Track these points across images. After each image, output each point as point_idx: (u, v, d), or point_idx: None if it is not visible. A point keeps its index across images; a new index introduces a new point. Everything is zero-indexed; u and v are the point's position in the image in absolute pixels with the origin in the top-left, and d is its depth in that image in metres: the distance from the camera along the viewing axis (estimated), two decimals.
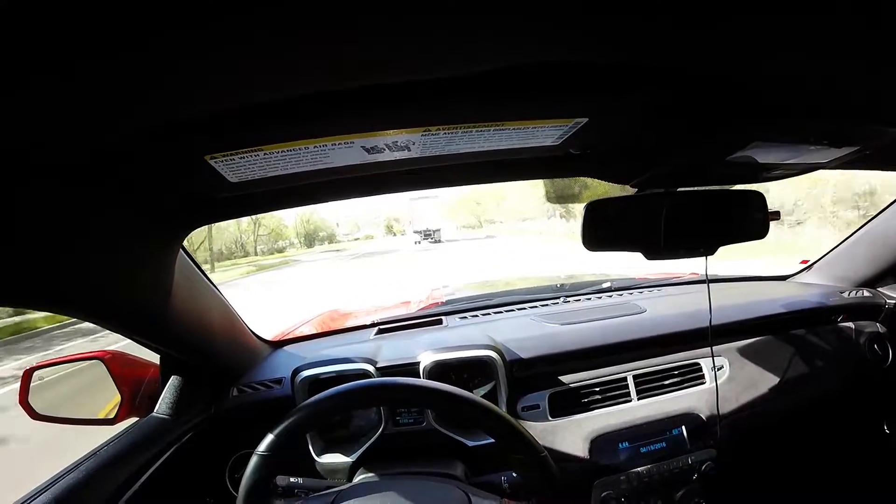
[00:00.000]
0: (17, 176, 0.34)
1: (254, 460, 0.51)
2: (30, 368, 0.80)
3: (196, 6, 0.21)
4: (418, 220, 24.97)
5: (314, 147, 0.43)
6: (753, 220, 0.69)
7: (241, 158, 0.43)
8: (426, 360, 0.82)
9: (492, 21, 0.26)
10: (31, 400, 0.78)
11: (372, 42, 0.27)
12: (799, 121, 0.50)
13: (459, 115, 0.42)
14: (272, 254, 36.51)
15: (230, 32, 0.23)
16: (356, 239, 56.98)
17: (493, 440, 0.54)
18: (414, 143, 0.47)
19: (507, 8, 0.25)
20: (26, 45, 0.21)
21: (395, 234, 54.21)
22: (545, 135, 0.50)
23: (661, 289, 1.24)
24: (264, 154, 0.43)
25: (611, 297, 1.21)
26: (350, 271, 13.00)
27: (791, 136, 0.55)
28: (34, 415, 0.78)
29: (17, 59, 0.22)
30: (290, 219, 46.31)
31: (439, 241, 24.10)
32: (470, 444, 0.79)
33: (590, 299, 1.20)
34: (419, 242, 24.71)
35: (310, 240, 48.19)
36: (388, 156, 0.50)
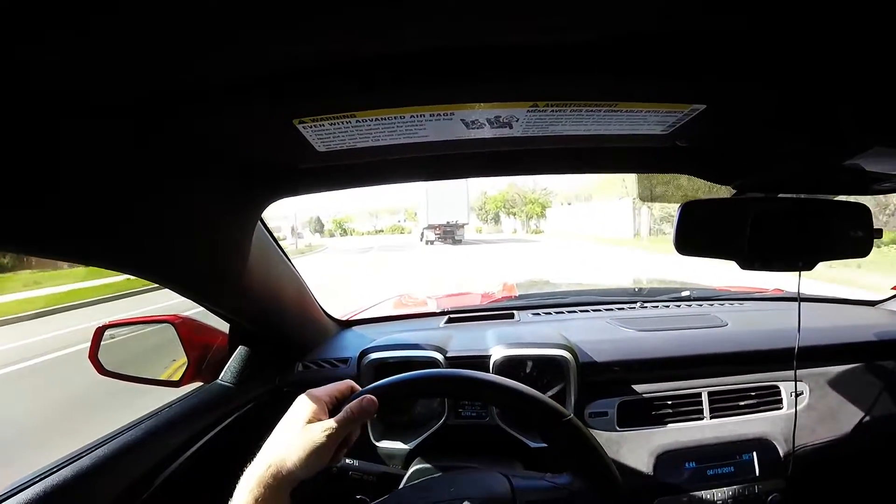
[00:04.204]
0: (96, 119, 0.33)
1: None
2: (101, 326, 0.83)
3: None
4: (435, 211, 17.85)
5: (410, 117, 0.41)
6: (857, 236, 0.64)
7: (331, 125, 0.41)
8: (497, 354, 0.80)
9: None
10: (101, 356, 0.81)
11: None
12: None
13: (572, 91, 0.40)
14: None
15: None
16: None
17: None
18: (517, 120, 0.45)
19: None
20: None
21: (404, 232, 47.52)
22: (656, 121, 0.47)
23: (743, 303, 1.18)
24: (356, 121, 0.41)
25: (690, 306, 1.16)
26: None
27: None
28: (102, 370, 0.81)
29: None
30: None
31: (459, 242, 18.11)
32: (532, 444, 0.77)
33: (668, 307, 1.15)
34: (431, 242, 18.39)
35: None
36: (487, 132, 0.47)
